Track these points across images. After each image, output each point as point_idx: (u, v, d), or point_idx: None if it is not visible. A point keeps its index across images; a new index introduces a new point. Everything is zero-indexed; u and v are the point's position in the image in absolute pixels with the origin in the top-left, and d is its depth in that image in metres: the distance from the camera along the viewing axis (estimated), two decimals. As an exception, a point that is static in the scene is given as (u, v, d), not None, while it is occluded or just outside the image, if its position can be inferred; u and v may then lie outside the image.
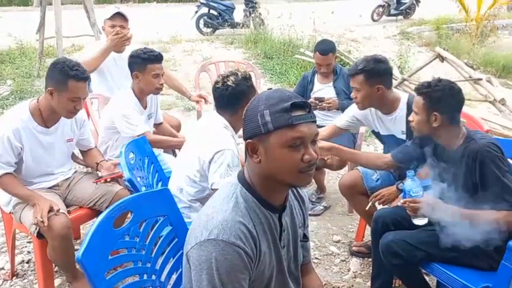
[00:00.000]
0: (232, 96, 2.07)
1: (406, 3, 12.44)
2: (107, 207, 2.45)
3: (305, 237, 1.46)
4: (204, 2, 10.11)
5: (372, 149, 4.89)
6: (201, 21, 10.07)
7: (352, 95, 2.51)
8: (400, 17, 12.58)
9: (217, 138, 2.06)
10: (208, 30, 10.10)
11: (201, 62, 7.60)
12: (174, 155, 3.29)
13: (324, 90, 3.48)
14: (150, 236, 1.64)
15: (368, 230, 3.01)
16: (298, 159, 1.18)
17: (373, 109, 2.61)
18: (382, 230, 2.14)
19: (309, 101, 3.41)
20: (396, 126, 2.56)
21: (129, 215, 1.61)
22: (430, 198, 1.97)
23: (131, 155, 2.27)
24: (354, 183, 2.74)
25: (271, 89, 1.34)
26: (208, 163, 2.03)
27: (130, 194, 2.48)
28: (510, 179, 1.86)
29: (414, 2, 12.60)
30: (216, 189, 1.96)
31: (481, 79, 5.62)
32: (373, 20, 12.29)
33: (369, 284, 2.66)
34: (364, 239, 3.07)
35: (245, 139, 1.23)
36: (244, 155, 1.28)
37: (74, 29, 6.94)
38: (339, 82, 3.44)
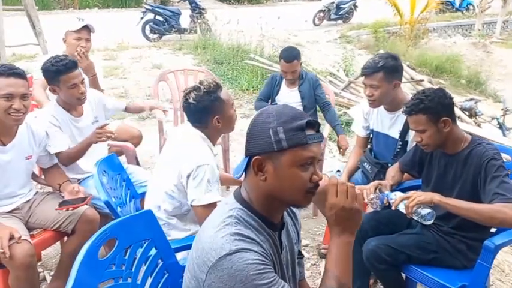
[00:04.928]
0: (197, 112, 1.98)
1: (345, 8, 12.86)
2: (73, 229, 2.32)
3: (300, 254, 1.41)
4: (150, 7, 9.84)
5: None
6: (147, 27, 9.78)
7: (368, 92, 2.45)
8: (340, 21, 13.00)
9: (195, 152, 1.96)
10: (155, 36, 9.84)
11: (151, 68, 7.42)
12: (138, 164, 3.14)
13: (289, 94, 3.47)
14: (136, 263, 1.53)
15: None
16: (307, 180, 1.15)
17: None
18: (361, 237, 2.14)
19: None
20: (395, 125, 2.54)
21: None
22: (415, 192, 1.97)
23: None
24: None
25: (276, 103, 1.28)
26: (187, 178, 1.92)
27: (97, 213, 2.36)
28: (510, 182, 1.87)
29: (352, 7, 13.05)
30: (197, 206, 1.91)
31: (423, 80, 5.91)
32: (315, 25, 12.59)
33: (341, 286, 2.68)
34: (331, 241, 3.08)
35: (250, 154, 1.16)
36: (243, 171, 1.20)
37: (14, 37, 6.48)
38: (305, 86, 3.44)
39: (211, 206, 1.88)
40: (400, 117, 2.48)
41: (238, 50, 8.05)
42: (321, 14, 12.70)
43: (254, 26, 8.91)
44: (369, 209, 2.40)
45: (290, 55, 3.32)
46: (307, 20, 12.40)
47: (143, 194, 2.32)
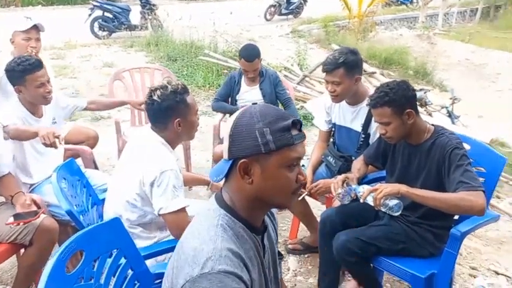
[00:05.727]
0: (159, 111, 1.90)
1: (295, 2, 12.97)
2: (30, 240, 2.18)
3: (280, 254, 1.39)
4: (98, 4, 9.46)
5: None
6: (96, 25, 9.40)
7: (330, 89, 2.44)
8: (291, 16, 13.09)
9: (157, 157, 1.87)
10: (104, 33, 9.48)
11: (102, 67, 7.15)
12: (96, 168, 3.00)
13: (250, 92, 3.42)
14: (105, 274, 1.45)
15: (301, 227, 3.04)
16: (293, 180, 1.12)
17: None
18: (330, 231, 2.14)
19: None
20: (357, 119, 2.55)
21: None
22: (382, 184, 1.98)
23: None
24: None
25: (255, 103, 1.23)
26: (150, 186, 1.83)
27: (56, 222, 2.22)
28: (473, 171, 1.91)
29: (302, 1, 13.19)
30: (166, 214, 1.83)
31: (375, 72, 6.06)
32: (267, 20, 12.62)
33: (310, 280, 2.69)
34: (298, 235, 3.08)
35: (235, 157, 1.11)
36: (224, 176, 1.14)
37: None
38: (266, 84, 3.40)
39: (180, 212, 1.81)
40: (362, 111, 2.51)
41: (191, 46, 7.92)
42: (272, 9, 12.74)
43: (207, 21, 8.78)
44: (336, 203, 2.41)
45: (251, 54, 3.27)
46: (259, 15, 12.40)
47: (104, 200, 2.20)
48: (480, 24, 15.36)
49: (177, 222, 1.80)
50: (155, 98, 1.89)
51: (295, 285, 2.67)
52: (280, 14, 12.86)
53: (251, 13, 12.36)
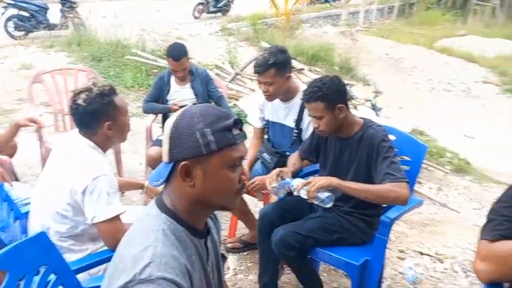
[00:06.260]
0: (86, 115, 1.79)
1: (222, 0, 12.94)
2: None
3: (223, 257, 1.36)
4: (12, 2, 8.78)
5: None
6: (10, 24, 8.75)
7: (263, 89, 2.46)
8: (219, 14, 13.04)
9: (88, 163, 1.77)
10: (20, 33, 8.85)
11: (18, 69, 6.65)
12: (17, 179, 2.77)
13: (181, 92, 3.34)
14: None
15: (239, 225, 3.04)
16: (236, 180, 1.10)
17: None
18: (268, 227, 2.16)
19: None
20: (290, 115, 2.58)
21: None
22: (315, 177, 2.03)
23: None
24: None
25: (196, 103, 1.19)
26: (82, 194, 1.72)
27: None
28: (398, 162, 2.00)
29: (230, -1, 13.20)
30: (100, 223, 1.73)
31: (303, 69, 6.21)
32: (195, 18, 12.47)
33: (250, 277, 2.70)
34: (236, 233, 3.08)
35: (175, 160, 1.07)
36: (165, 180, 1.10)
37: None
38: (197, 82, 3.33)
39: (115, 219, 1.72)
40: (294, 107, 2.55)
41: (117, 46, 7.61)
42: (200, 6, 12.62)
43: (132, 20, 8.49)
44: (273, 199, 2.44)
45: (178, 53, 3.18)
46: (186, 13, 12.23)
47: (28, 214, 2.04)
48: (397, 20, 16.27)
49: (112, 231, 1.71)
50: (80, 102, 1.78)
51: (236, 283, 2.66)
52: (209, 12, 12.77)
53: (178, 11, 12.15)
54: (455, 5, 17.87)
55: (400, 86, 9.65)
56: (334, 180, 1.95)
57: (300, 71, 6.52)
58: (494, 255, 1.37)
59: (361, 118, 2.16)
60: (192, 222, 1.13)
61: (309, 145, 2.33)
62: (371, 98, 6.19)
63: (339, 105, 2.02)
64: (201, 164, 1.06)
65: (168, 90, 3.35)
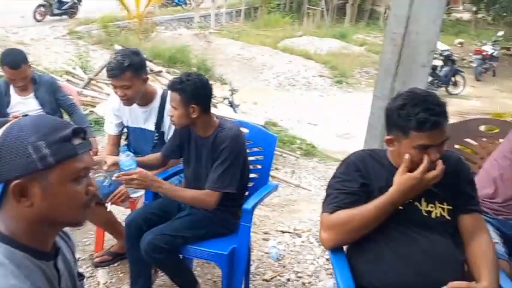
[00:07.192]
0: None
1: (68, 2, 11.97)
2: None
3: (80, 275, 1.26)
4: None
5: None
6: None
7: (120, 93, 2.33)
8: (65, 16, 12.03)
9: None
10: None
11: None
12: None
13: (24, 103, 2.98)
14: None
15: (107, 237, 2.85)
16: (83, 193, 1.01)
17: None
18: (136, 233, 2.08)
19: None
20: (150, 119, 2.51)
21: None
22: (142, 170, 2.05)
23: None
24: None
25: (26, 115, 1.07)
26: None
27: None
28: (237, 167, 2.08)
29: (76, 1, 12.26)
30: None
31: (161, 71, 6.11)
32: (37, 21, 11.30)
33: (124, 287, 2.57)
34: (104, 246, 2.89)
35: (3, 181, 0.95)
36: None
37: None
38: (41, 92, 3.00)
39: None
40: (154, 110, 2.51)
41: None
42: (42, 8, 11.44)
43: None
44: (140, 204, 2.39)
45: (16, 60, 2.81)
46: (23, 16, 11.01)
47: None
48: (245, 23, 17.05)
49: None
50: None
51: (106, 298, 2.51)
52: (52, 15, 11.67)
53: (13, 14, 10.86)
54: (292, 8, 19.44)
55: (253, 83, 10.20)
56: (154, 184, 2.07)
57: (158, 73, 6.40)
58: (333, 225, 1.56)
59: (217, 119, 2.20)
60: (35, 245, 1.01)
61: (171, 143, 2.32)
62: (228, 96, 6.41)
63: (193, 105, 2.04)
64: (38, 181, 0.95)
65: (8, 102, 2.97)
